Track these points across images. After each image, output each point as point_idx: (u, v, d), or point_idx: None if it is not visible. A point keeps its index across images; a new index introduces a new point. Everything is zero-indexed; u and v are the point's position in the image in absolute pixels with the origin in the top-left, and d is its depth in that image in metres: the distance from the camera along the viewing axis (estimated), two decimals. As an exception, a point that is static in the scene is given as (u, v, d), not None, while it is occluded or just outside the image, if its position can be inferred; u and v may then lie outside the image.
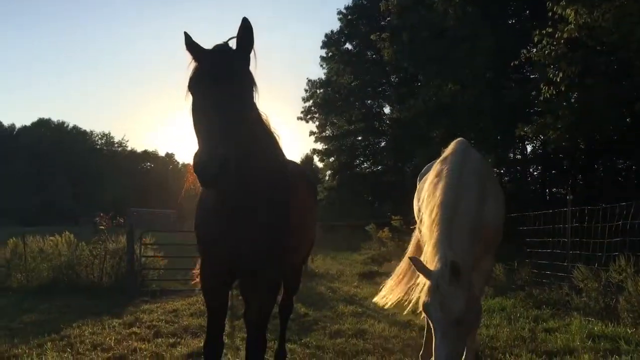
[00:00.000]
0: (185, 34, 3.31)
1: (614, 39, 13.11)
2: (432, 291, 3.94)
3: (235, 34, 3.32)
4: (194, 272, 4.47)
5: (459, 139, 5.32)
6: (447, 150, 5.14)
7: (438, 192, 4.59)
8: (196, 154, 2.84)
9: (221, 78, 3.10)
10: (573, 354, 5.88)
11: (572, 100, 17.17)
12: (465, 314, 3.90)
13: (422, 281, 4.14)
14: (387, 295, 5.92)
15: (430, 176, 4.99)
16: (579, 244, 9.60)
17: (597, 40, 13.88)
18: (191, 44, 3.31)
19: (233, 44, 3.34)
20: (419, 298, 4.12)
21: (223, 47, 3.32)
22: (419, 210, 5.42)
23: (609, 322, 7.25)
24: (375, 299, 6.13)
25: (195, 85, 3.16)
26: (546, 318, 7.93)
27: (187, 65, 3.30)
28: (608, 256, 8.66)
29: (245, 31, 3.28)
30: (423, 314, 4.11)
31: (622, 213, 8.69)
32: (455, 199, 4.42)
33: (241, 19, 3.27)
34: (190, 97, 3.20)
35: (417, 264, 4.07)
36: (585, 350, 5.95)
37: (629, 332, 6.71)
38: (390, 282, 5.97)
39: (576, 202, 10.73)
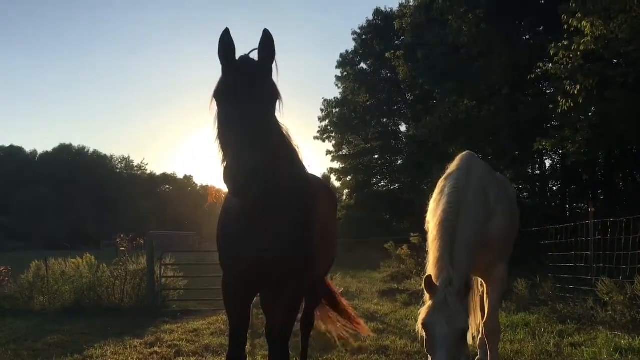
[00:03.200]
0: (227, 30, 3.34)
1: (630, 50, 13.01)
2: (437, 308, 3.99)
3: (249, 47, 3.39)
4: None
5: (463, 152, 5.35)
6: (452, 166, 5.17)
7: (439, 211, 4.69)
8: (226, 166, 2.89)
9: (249, 89, 3.15)
10: (600, 367, 5.78)
11: (590, 114, 17.04)
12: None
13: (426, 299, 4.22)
14: None
15: (435, 193, 5.04)
16: (603, 257, 9.46)
17: (614, 52, 13.80)
18: (226, 44, 3.33)
19: (254, 56, 3.40)
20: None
21: (247, 58, 3.37)
22: None
23: (637, 336, 7.09)
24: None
25: (222, 96, 3.21)
26: (571, 332, 7.79)
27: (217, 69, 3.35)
28: (633, 268, 8.53)
29: (267, 42, 3.34)
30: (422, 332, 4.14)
31: (646, 225, 8.57)
32: (456, 217, 4.51)
33: (262, 30, 3.33)
34: (214, 108, 3.26)
35: (427, 282, 4.13)
36: (612, 364, 5.84)
37: (658, 345, 6.56)
38: None
39: (597, 216, 10.59)
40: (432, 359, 3.96)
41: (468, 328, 4.03)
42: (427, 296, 4.17)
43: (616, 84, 15.10)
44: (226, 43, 3.34)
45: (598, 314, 8.36)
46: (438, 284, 4.10)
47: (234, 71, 3.27)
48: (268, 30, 3.33)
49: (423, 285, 4.17)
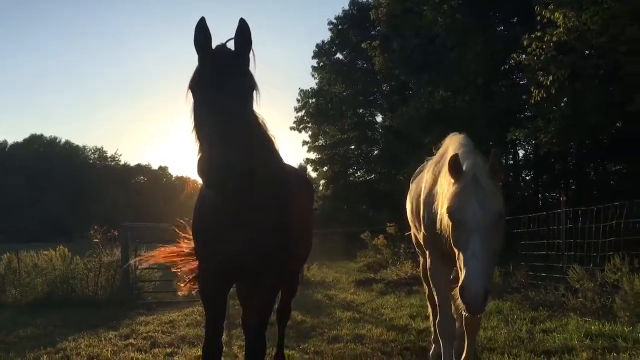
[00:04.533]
0: (203, 18, 3.27)
1: (602, 41, 13.25)
2: (468, 189, 3.51)
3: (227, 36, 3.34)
4: (179, 283, 4.56)
5: (452, 134, 5.07)
6: (449, 141, 4.87)
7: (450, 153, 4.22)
8: (201, 158, 2.84)
9: (225, 79, 3.11)
10: (571, 352, 5.89)
11: (562, 105, 17.32)
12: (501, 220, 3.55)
13: (445, 186, 3.79)
14: None
15: (430, 166, 4.94)
16: (574, 245, 9.65)
17: (586, 44, 14.03)
18: (202, 33, 3.26)
19: (230, 45, 3.35)
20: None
21: (224, 48, 3.33)
22: (412, 208, 5.44)
23: (606, 321, 7.26)
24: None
25: (199, 86, 3.15)
26: (543, 319, 7.94)
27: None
28: (603, 256, 8.71)
29: (243, 32, 3.29)
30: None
31: (616, 213, 8.75)
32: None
33: (238, 20, 3.29)
34: (190, 99, 3.21)
35: (454, 162, 3.65)
36: (583, 349, 5.96)
37: (626, 330, 6.71)
38: None
39: (568, 205, 10.80)
40: (464, 250, 3.39)
41: (504, 212, 3.51)
42: (450, 181, 3.64)
43: (588, 75, 15.39)
44: (202, 32, 3.27)
45: (569, 301, 8.52)
46: (464, 166, 3.62)
47: (210, 61, 3.21)
48: (244, 20, 3.28)
49: (447, 167, 3.66)
